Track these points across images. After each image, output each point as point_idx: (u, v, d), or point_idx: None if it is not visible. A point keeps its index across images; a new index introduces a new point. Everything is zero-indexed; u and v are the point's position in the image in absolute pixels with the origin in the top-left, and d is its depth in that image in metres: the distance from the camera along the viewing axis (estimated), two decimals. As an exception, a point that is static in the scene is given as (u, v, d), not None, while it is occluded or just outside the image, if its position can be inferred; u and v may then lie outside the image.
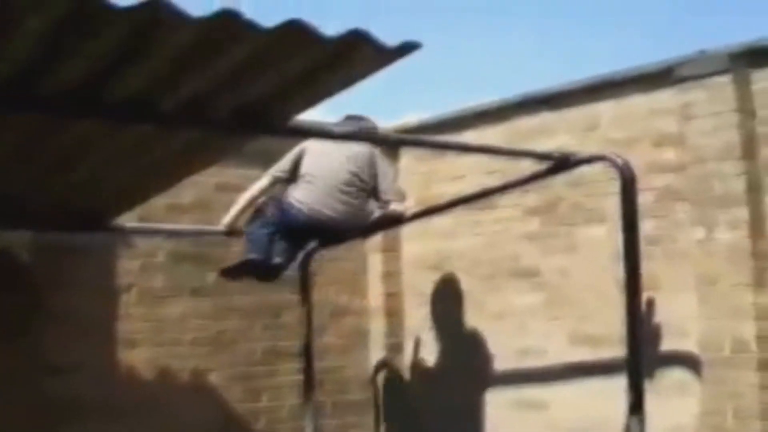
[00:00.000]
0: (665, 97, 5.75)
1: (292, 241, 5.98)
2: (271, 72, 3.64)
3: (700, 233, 5.49)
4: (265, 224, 5.97)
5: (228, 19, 3.20)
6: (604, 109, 6.14)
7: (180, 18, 3.13)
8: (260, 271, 5.98)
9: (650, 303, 5.69)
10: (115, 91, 3.62)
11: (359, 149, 6.08)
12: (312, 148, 6.08)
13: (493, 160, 6.36)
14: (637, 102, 5.95)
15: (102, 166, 4.74)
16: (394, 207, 6.11)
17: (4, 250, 5.92)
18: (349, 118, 6.28)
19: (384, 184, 6.14)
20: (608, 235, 5.88)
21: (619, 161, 4.83)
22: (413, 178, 7.34)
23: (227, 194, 6.59)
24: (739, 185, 5.32)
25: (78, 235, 6.03)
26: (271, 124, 4.17)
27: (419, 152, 7.29)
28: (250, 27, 3.30)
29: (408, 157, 7.47)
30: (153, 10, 3.08)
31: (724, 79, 5.40)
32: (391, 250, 7.59)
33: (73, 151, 4.43)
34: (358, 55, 3.57)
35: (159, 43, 3.30)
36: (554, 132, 6.36)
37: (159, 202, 6.20)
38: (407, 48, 3.58)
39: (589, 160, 5.15)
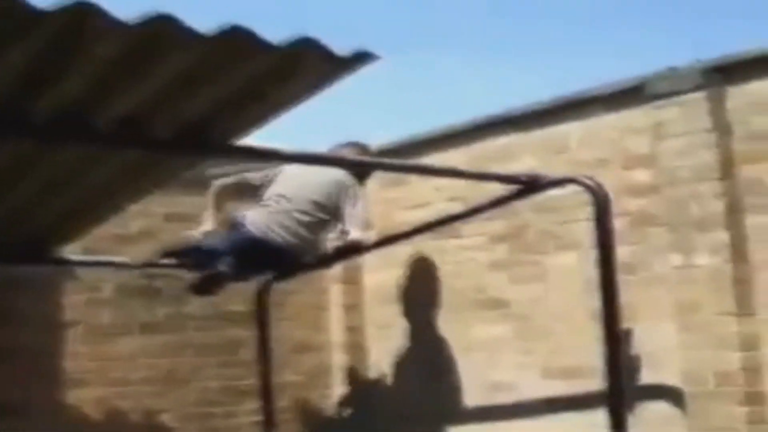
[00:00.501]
0: (636, 116, 5.45)
1: (241, 261, 5.61)
2: (210, 85, 3.30)
3: (677, 259, 5.16)
4: (216, 238, 5.66)
5: (162, 24, 2.87)
6: (573, 129, 5.84)
7: (108, 23, 2.79)
8: (201, 267, 5.57)
9: (628, 333, 5.37)
10: (42, 107, 3.27)
11: (334, 177, 5.82)
12: (287, 171, 5.89)
13: (457, 187, 6.07)
14: (607, 122, 5.65)
15: (37, 191, 4.38)
16: (352, 236, 5.79)
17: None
18: (346, 145, 6.16)
19: (347, 213, 5.84)
20: (579, 262, 5.59)
21: (592, 183, 4.54)
22: (376, 206, 7.01)
23: (177, 224, 6.25)
24: (717, 207, 5.00)
25: (18, 268, 5.65)
26: (214, 143, 3.83)
27: (381, 179, 6.97)
28: (187, 33, 2.97)
29: (370, 184, 7.13)
30: (77, 14, 2.74)
31: (698, 96, 5.09)
32: (352, 282, 7.23)
33: (4, 175, 4.08)
34: (306, 64, 3.24)
35: (84, 53, 2.96)
36: (520, 155, 6.05)
37: (105, 232, 5.84)
38: (361, 57, 3.25)
39: (559, 182, 4.85)
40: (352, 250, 5.97)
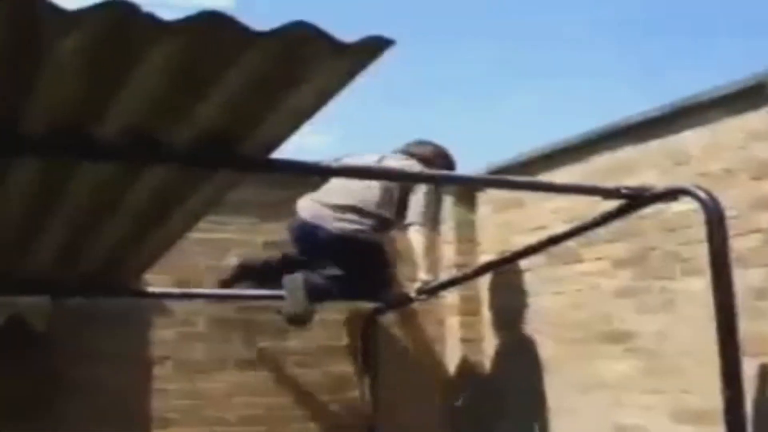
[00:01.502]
0: (763, 118, 4.66)
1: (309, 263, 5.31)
2: (214, 86, 2.85)
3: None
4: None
5: (123, 12, 2.43)
6: (694, 138, 5.07)
7: (56, 13, 2.37)
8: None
9: (765, 371, 4.61)
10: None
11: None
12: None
13: (575, 208, 5.43)
14: (732, 126, 4.86)
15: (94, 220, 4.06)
16: (412, 233, 5.47)
17: (16, 317, 5.23)
18: (419, 144, 5.87)
19: (411, 208, 5.48)
20: (707, 288, 4.82)
21: (702, 194, 3.85)
22: (490, 230, 6.44)
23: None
24: None
25: (102, 300, 5.37)
26: (245, 157, 3.38)
27: (496, 201, 6.40)
28: (159, 24, 2.52)
29: (485, 207, 6.57)
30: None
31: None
32: (471, 314, 6.62)
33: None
34: (310, 55, 2.73)
35: (44, 50, 2.55)
36: (639, 168, 5.32)
37: (200, 263, 5.56)
38: (373, 44, 2.72)
39: (667, 194, 4.16)
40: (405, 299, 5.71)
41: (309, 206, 5.50)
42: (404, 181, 5.38)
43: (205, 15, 2.48)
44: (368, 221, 5.41)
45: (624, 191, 4.14)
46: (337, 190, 5.44)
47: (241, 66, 2.72)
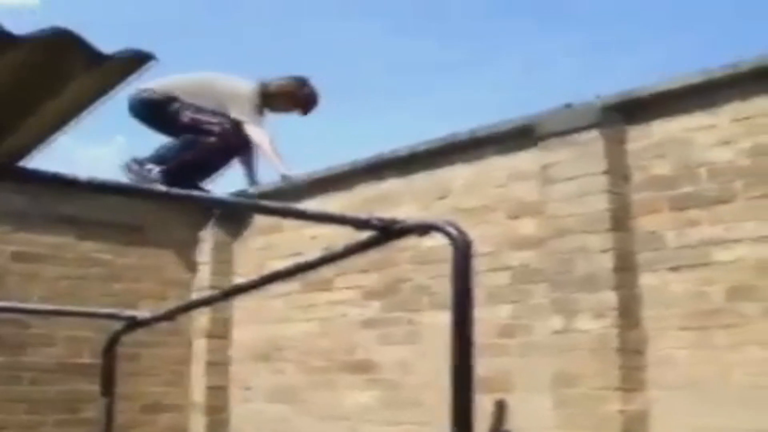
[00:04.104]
0: (526, 159, 4.53)
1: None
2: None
3: (558, 322, 4.21)
4: None
5: None
6: (458, 173, 4.91)
7: None
8: None
9: (501, 406, 4.42)
10: None
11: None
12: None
13: (334, 235, 5.11)
14: (495, 165, 4.72)
15: None
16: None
17: None
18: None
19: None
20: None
21: (453, 231, 3.60)
22: (248, 252, 6.06)
23: (26, 265, 5.38)
24: (605, 263, 4.06)
25: None
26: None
27: (257, 225, 6.03)
28: None
29: (244, 230, 6.18)
30: None
31: (593, 136, 4.16)
32: (220, 337, 6.18)
33: None
34: (68, 61, 2.30)
35: None
36: (400, 200, 5.11)
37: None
38: (134, 57, 2.30)
39: (417, 228, 3.91)
40: None
41: None
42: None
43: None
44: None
45: (375, 222, 3.84)
46: None
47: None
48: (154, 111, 4.94)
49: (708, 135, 3.87)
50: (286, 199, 5.65)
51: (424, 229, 3.85)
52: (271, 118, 5.18)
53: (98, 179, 3.66)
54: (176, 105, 4.91)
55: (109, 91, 2.48)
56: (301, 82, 5.24)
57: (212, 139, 4.96)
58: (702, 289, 3.84)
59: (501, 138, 4.64)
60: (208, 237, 6.23)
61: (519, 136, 4.52)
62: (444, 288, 4.61)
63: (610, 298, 3.99)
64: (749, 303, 3.69)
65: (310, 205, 5.53)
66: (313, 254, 5.20)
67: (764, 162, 3.72)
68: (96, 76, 2.33)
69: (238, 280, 6.04)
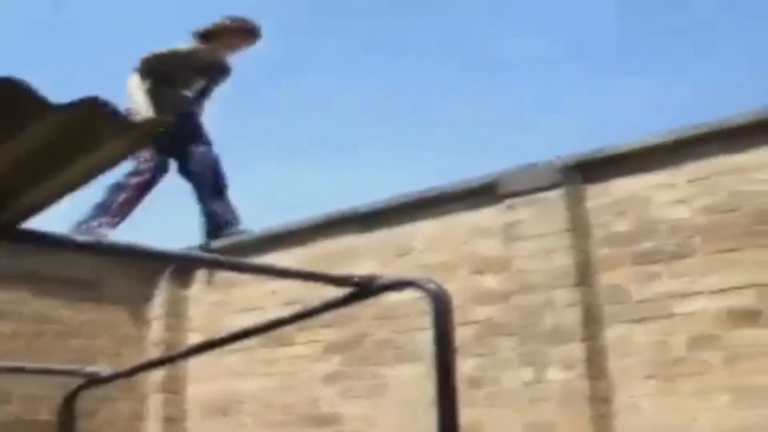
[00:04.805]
0: (489, 216, 4.68)
1: None
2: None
3: (527, 374, 4.34)
4: None
5: None
6: (420, 230, 5.02)
7: None
8: None
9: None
10: None
11: None
12: None
13: (293, 290, 5.17)
14: (457, 222, 4.86)
15: None
16: None
17: None
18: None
19: None
20: (422, 376, 4.72)
21: (432, 287, 3.70)
22: (202, 307, 6.04)
23: None
24: (573, 316, 4.22)
25: None
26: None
27: (210, 280, 6.03)
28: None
29: (200, 284, 6.16)
30: None
31: (555, 195, 4.35)
32: (174, 392, 6.13)
33: None
34: (98, 128, 2.36)
35: None
36: (360, 257, 5.19)
37: None
38: (155, 123, 2.40)
39: (396, 285, 4.00)
40: None
41: None
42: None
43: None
44: None
45: (357, 280, 3.92)
46: None
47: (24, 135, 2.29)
48: None
49: (666, 193, 4.08)
50: (243, 254, 5.69)
51: (402, 285, 3.96)
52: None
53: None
54: None
55: (126, 156, 2.54)
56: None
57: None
58: (665, 339, 4.02)
59: (464, 195, 4.78)
60: (162, 292, 6.19)
61: (482, 193, 4.67)
62: (407, 342, 4.76)
63: (578, 349, 4.14)
64: (710, 351, 3.87)
65: (268, 259, 5.58)
66: (272, 309, 5.32)
67: (720, 219, 3.94)
68: (123, 140, 2.39)
69: (192, 335, 6.03)
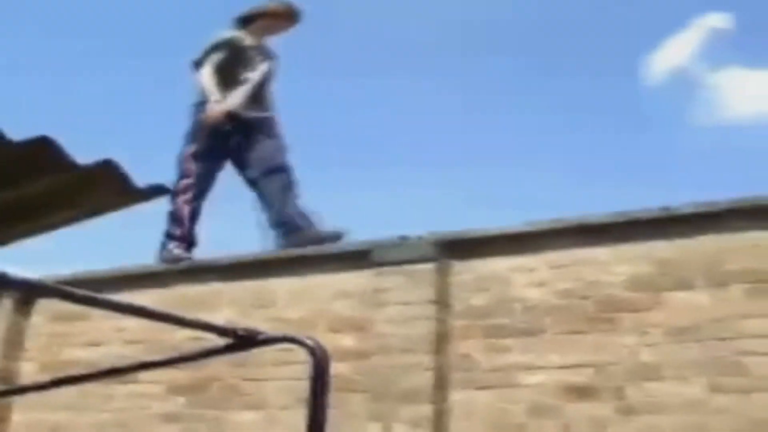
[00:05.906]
0: (355, 280, 4.92)
1: None
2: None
3: (375, 429, 4.55)
4: None
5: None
6: (283, 285, 5.20)
7: None
8: None
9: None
10: None
11: None
12: None
13: (138, 329, 5.21)
14: (322, 281, 5.08)
15: None
16: None
17: None
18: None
19: None
20: (263, 424, 4.86)
21: (313, 344, 3.90)
22: (41, 338, 5.89)
23: None
24: (426, 380, 4.49)
25: None
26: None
27: (53, 311, 5.89)
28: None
29: (40, 315, 6.01)
30: None
31: (425, 268, 4.68)
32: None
33: None
34: (103, 187, 2.48)
35: None
36: (219, 304, 5.29)
37: None
38: (157, 191, 2.56)
39: (278, 339, 4.17)
40: None
41: None
42: None
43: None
44: None
45: (240, 332, 4.06)
46: None
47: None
48: None
49: (527, 276, 4.49)
50: (93, 288, 5.62)
51: (283, 341, 4.12)
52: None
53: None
54: None
55: (117, 211, 2.69)
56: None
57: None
58: (506, 406, 4.36)
59: (336, 258, 5.02)
60: (1, 318, 6.01)
61: (354, 259, 4.93)
62: (256, 391, 4.86)
63: (427, 410, 4.42)
64: (548, 420, 4.25)
65: (123, 297, 5.54)
66: (115, 345, 5.31)
67: (571, 304, 4.37)
68: (117, 201, 2.54)
69: (27, 365, 5.88)
